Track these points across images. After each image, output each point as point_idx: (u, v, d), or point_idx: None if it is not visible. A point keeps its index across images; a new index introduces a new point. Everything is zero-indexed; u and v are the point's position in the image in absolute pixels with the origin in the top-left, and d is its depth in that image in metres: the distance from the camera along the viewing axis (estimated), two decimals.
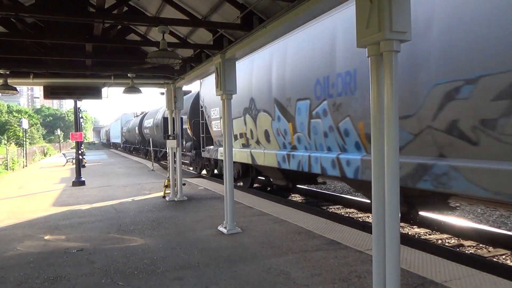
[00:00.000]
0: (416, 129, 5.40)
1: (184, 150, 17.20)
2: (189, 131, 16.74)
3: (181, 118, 10.39)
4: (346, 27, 6.53)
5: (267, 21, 5.24)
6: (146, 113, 31.41)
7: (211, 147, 14.03)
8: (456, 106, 4.76)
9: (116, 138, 53.42)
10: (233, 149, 10.69)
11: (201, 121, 15.28)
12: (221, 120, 10.95)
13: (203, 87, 14.55)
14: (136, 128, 33.09)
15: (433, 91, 5.02)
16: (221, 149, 12.57)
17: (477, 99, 4.50)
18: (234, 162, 10.67)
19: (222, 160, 10.36)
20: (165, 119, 10.65)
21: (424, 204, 6.94)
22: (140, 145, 33.76)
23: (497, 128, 4.38)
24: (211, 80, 12.41)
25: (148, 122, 28.28)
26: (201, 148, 15.18)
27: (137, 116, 36.72)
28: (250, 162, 10.82)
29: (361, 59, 6.04)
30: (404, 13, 3.07)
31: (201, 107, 14.82)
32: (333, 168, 7.20)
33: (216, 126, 13.13)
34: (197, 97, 16.11)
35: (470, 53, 4.52)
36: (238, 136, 11.49)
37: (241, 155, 11.24)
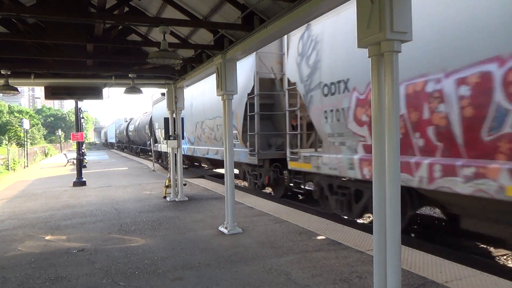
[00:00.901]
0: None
1: (147, 146, 27.61)
2: (149, 134, 26.84)
3: (182, 118, 10.36)
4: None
5: (268, 21, 5.24)
6: (131, 119, 42.11)
7: (157, 144, 22.97)
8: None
9: (111, 139, 64.09)
10: (159, 144, 22.24)
11: (153, 129, 25.99)
12: (195, 123, 20.62)
13: (154, 109, 24.37)
14: (124, 131, 42.96)
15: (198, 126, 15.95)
16: (159, 145, 22.50)
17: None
18: (164, 152, 21.27)
19: (162, 152, 23.37)
20: (165, 119, 10.59)
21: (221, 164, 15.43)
22: (127, 144, 44.36)
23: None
24: (159, 105, 21.38)
25: (131, 127, 37.61)
26: (154, 145, 24.57)
27: (126, 121, 46.86)
28: (163, 150, 20.56)
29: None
30: (405, 13, 3.06)
31: (151, 121, 25.63)
32: (188, 151, 17.48)
33: (158, 133, 22.30)
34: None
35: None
36: (162, 139, 19.82)
37: (164, 147, 19.72)
